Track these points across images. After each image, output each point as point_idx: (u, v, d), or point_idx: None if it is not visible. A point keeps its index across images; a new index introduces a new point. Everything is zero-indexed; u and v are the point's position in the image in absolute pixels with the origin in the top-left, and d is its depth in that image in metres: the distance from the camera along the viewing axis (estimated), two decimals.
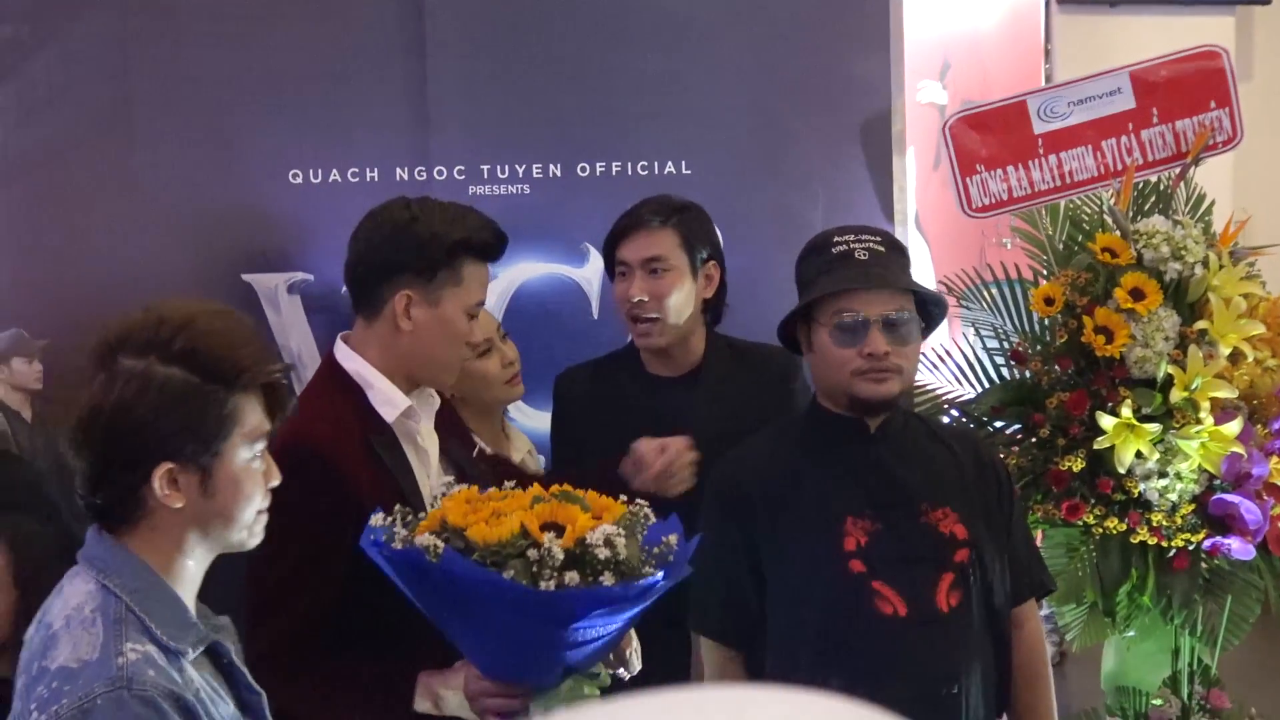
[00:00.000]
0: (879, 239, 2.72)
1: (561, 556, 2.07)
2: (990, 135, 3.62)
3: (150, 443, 1.85)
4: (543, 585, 2.04)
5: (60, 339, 3.49)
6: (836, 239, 2.74)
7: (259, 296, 3.57)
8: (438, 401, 2.73)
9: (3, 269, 3.51)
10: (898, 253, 2.75)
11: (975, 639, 2.71)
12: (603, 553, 2.08)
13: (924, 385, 3.78)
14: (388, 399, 2.57)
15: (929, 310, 2.73)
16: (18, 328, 3.50)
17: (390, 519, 2.20)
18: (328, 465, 2.45)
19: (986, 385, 3.77)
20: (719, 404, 3.14)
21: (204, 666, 1.93)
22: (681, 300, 3.11)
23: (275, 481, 1.98)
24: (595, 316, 3.69)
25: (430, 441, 2.68)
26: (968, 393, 3.81)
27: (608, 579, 2.07)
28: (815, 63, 3.78)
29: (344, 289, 2.67)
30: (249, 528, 1.97)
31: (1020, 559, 2.83)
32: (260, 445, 1.94)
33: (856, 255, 2.68)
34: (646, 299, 3.09)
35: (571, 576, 2.07)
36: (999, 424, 3.62)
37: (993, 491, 2.81)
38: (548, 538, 2.09)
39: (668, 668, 2.50)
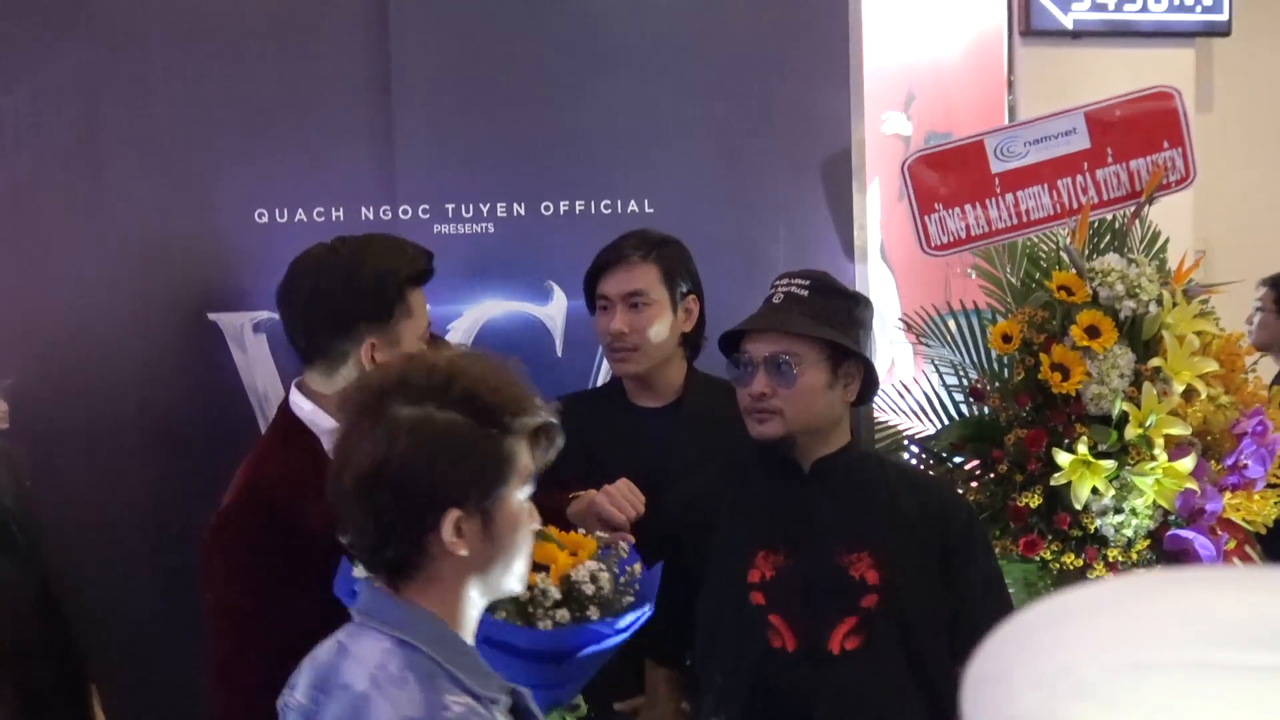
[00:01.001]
0: (807, 282, 2.84)
1: (558, 596, 2.16)
2: (948, 174, 3.70)
3: (439, 490, 1.85)
4: (540, 625, 2.12)
5: (26, 378, 3.53)
6: (774, 283, 2.87)
7: (224, 335, 3.62)
8: None
9: None
10: (824, 295, 2.84)
11: (882, 688, 2.76)
12: (589, 589, 2.16)
13: (885, 422, 3.86)
14: None
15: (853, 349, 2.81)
16: None
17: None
18: (282, 516, 2.50)
19: (946, 421, 3.85)
20: (700, 433, 3.22)
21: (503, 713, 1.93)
22: (662, 333, 3.20)
23: (536, 525, 1.97)
24: (559, 354, 3.76)
25: None
26: (928, 429, 3.89)
27: (593, 613, 2.16)
28: (777, 97, 3.86)
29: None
30: (521, 573, 1.96)
31: (971, 618, 2.86)
32: (530, 488, 1.94)
33: (773, 299, 2.81)
34: (627, 331, 3.17)
35: (563, 614, 2.15)
36: (958, 460, 3.70)
37: (935, 544, 2.86)
38: (540, 578, 2.18)
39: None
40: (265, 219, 3.63)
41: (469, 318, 3.73)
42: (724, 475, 2.97)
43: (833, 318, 2.84)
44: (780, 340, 2.81)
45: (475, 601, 1.93)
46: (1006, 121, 6.30)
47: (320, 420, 2.63)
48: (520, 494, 1.92)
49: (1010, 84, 6.60)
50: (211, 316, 3.61)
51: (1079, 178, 3.68)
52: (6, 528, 3.08)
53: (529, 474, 1.93)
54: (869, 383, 2.92)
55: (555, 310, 3.77)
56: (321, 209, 3.65)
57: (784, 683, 2.77)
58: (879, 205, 5.75)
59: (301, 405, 2.67)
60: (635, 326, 3.19)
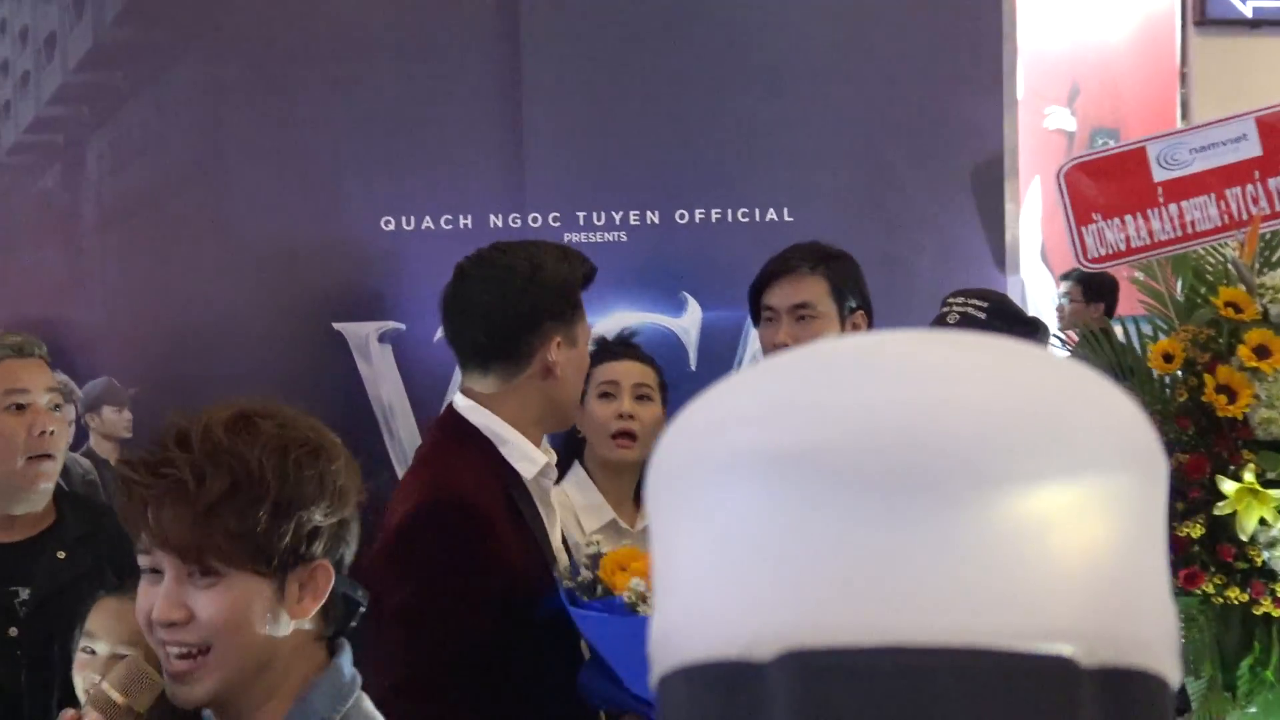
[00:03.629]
0: (985, 304, 2.75)
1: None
2: (1107, 182, 3.58)
3: None
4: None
5: (150, 387, 3.58)
6: (948, 301, 2.79)
7: (349, 346, 3.63)
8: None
9: (95, 317, 3.62)
10: (1004, 321, 2.76)
11: None
12: None
13: None
14: (525, 455, 2.68)
15: None
16: (108, 376, 3.59)
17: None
18: (476, 518, 2.54)
19: None
20: None
21: None
22: None
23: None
24: (693, 368, 3.72)
25: (555, 499, 2.80)
26: None
27: None
28: (923, 104, 3.79)
29: (437, 339, 2.81)
30: None
31: None
32: None
33: (948, 319, 2.71)
34: (791, 344, 3.12)
35: None
36: None
37: None
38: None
39: None
40: (392, 227, 3.64)
41: (599, 329, 3.69)
42: None
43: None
44: None
45: None
46: (1179, 118, 6.11)
47: (500, 430, 2.67)
48: None
49: (1183, 77, 6.40)
50: (337, 326, 3.64)
51: (1249, 187, 3.53)
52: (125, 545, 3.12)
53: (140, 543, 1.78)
54: None
55: (689, 322, 3.73)
56: (450, 217, 3.65)
57: None
58: (1040, 204, 5.62)
59: (471, 412, 2.68)
60: (801, 339, 3.13)
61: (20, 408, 3.01)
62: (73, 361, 3.58)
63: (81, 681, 2.82)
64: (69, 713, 1.70)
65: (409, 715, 2.40)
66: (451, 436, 2.72)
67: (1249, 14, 6.49)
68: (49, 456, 3.03)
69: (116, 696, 1.75)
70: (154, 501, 1.69)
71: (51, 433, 3.02)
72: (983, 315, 2.77)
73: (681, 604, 0.67)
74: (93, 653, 2.82)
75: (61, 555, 3.03)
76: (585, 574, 2.51)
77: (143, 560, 1.74)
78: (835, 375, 0.66)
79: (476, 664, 2.50)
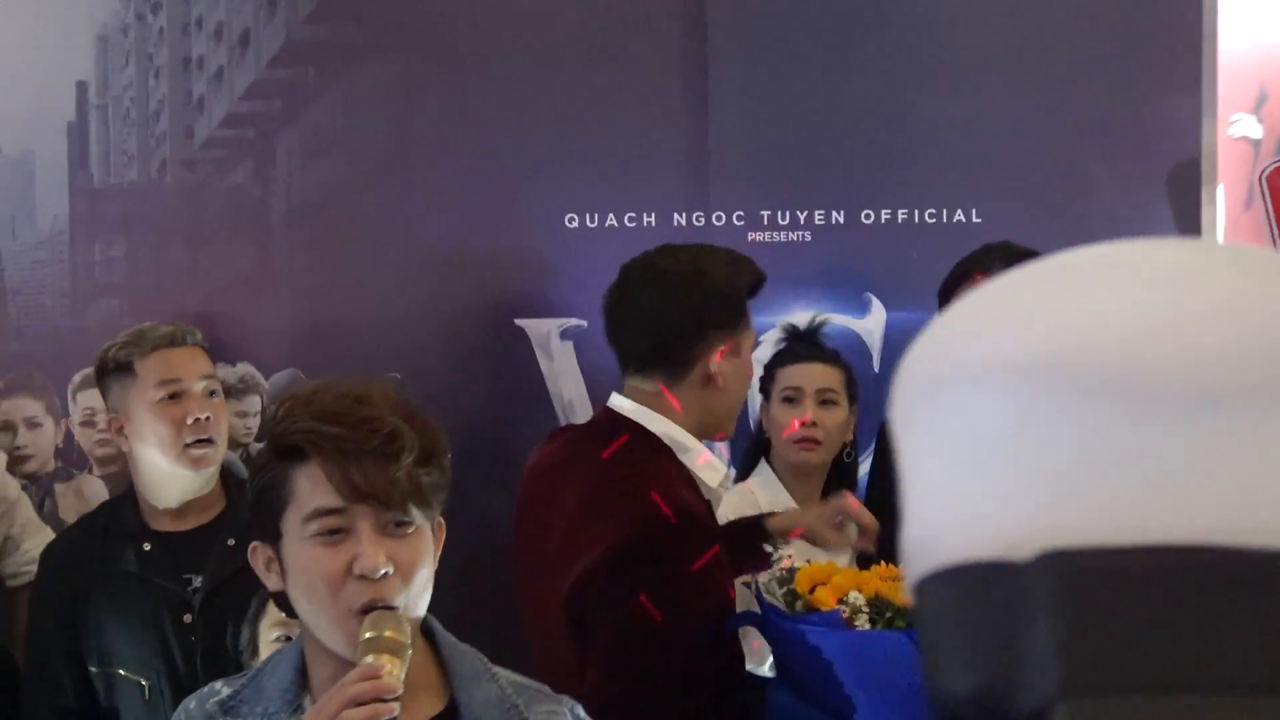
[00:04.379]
0: None
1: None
2: None
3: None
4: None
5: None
6: None
7: (531, 342, 3.64)
8: None
9: (281, 309, 3.68)
10: None
11: None
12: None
13: None
14: (710, 464, 2.65)
15: None
16: (294, 368, 3.64)
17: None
18: (704, 535, 2.54)
19: None
20: None
21: None
22: None
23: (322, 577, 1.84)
24: (876, 370, 3.67)
25: (740, 498, 2.85)
26: None
27: None
28: (1117, 105, 3.72)
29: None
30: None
31: None
32: (320, 521, 1.80)
33: None
34: None
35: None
36: None
37: None
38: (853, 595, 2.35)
39: None
40: (575, 224, 3.65)
41: (782, 329, 3.67)
42: None
43: None
44: None
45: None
46: None
47: (680, 437, 2.66)
48: (299, 525, 1.79)
49: None
50: (519, 323, 3.66)
51: None
52: None
53: (312, 502, 1.78)
54: None
55: (873, 324, 3.70)
56: (633, 214, 3.65)
57: None
58: (1223, 214, 5.48)
59: (641, 414, 2.67)
60: None
61: (175, 396, 3.04)
62: (260, 354, 3.64)
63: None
64: (369, 660, 1.72)
65: None
66: (640, 442, 2.69)
67: None
68: (208, 442, 3.05)
69: (404, 637, 1.77)
70: (362, 455, 1.73)
71: (207, 418, 3.04)
72: None
73: (936, 509, 0.69)
74: (289, 639, 2.87)
75: (231, 543, 3.06)
76: (776, 589, 2.49)
77: (323, 523, 1.77)
78: (1089, 281, 0.67)
79: (685, 680, 2.49)
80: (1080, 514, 0.63)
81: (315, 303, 3.67)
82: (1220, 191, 5.21)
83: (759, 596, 2.49)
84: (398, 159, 3.67)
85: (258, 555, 1.86)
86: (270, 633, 2.84)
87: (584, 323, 3.65)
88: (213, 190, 3.69)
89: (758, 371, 3.10)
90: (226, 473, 3.23)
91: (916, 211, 3.69)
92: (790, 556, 2.62)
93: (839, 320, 3.69)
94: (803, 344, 3.30)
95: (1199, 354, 0.62)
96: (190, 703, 1.89)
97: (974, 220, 3.67)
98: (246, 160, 3.68)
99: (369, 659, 1.71)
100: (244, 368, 3.64)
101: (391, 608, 1.76)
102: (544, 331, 3.67)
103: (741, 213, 3.68)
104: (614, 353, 2.83)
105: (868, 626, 2.34)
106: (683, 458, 2.63)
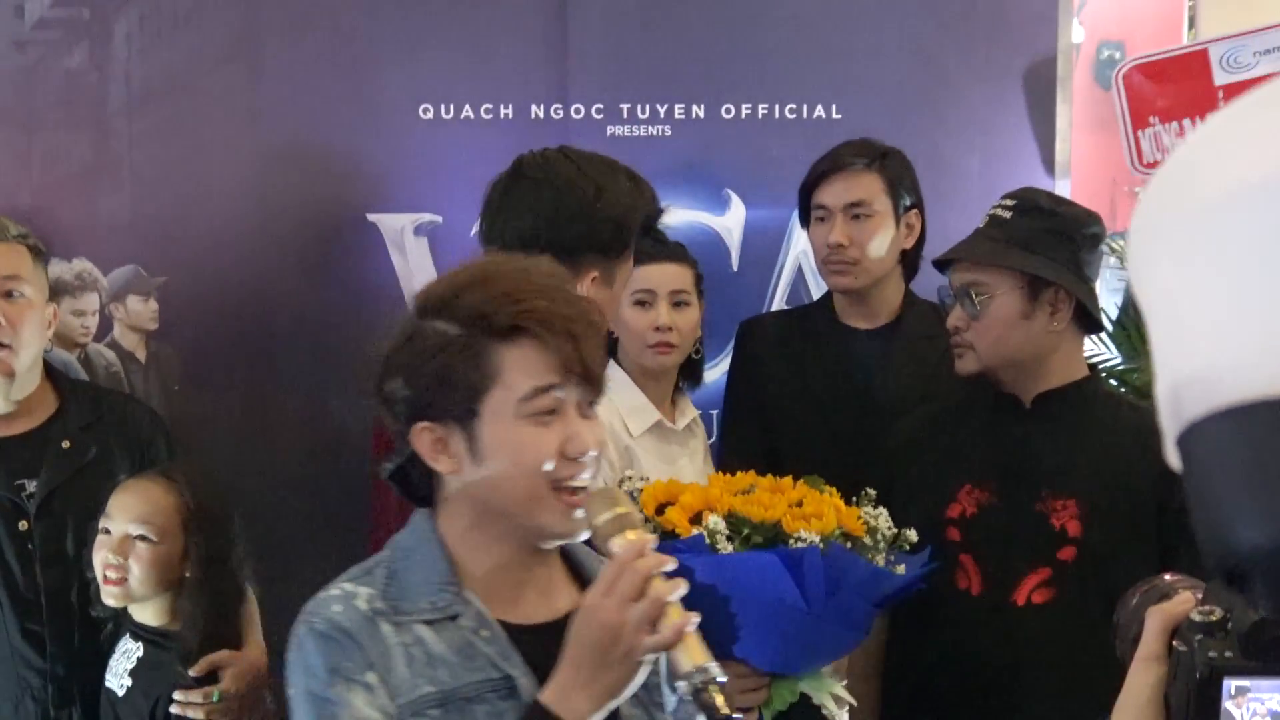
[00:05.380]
0: (1012, 203, 2.76)
1: (888, 535, 2.36)
2: (1167, 85, 3.56)
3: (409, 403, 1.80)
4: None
5: (178, 277, 3.50)
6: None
7: (384, 238, 3.56)
8: None
9: (120, 203, 3.55)
10: (1026, 215, 2.72)
11: (1071, 647, 2.63)
12: (888, 534, 2.40)
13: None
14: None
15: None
16: (135, 264, 3.50)
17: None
18: None
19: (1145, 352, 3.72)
20: (916, 360, 3.11)
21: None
22: (883, 247, 3.10)
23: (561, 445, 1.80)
24: (735, 269, 3.68)
25: None
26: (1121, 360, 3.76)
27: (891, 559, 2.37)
28: (977, 2, 3.71)
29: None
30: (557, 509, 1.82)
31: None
32: (542, 396, 1.77)
33: (980, 223, 2.75)
34: (847, 244, 3.06)
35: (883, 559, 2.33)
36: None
37: (1152, 504, 2.68)
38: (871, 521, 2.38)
39: None
40: (430, 115, 3.57)
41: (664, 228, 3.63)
42: (946, 409, 2.89)
43: (1032, 240, 2.70)
44: (969, 270, 2.74)
45: (501, 533, 1.82)
46: (1185, 31, 6.07)
47: None
48: (512, 405, 1.76)
49: None
50: (371, 217, 3.58)
51: None
52: (153, 444, 3.05)
53: (529, 381, 1.75)
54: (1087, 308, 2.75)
55: (733, 221, 3.68)
56: (490, 106, 3.58)
57: (962, 626, 2.71)
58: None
59: None
60: (856, 239, 3.08)
61: None
62: (98, 249, 3.50)
63: (98, 563, 2.78)
64: (628, 537, 1.69)
65: None
66: None
67: None
68: (3, 346, 2.90)
69: (637, 515, 1.75)
70: (586, 336, 1.76)
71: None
72: (1008, 214, 2.73)
73: (1212, 346, 0.65)
74: (108, 532, 2.79)
75: (66, 444, 2.95)
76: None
77: (541, 402, 1.75)
78: None
79: None
80: None
81: (157, 197, 3.53)
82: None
83: None
84: (243, 43, 3.54)
85: (424, 437, 1.77)
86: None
87: (438, 218, 3.58)
88: (46, 74, 3.52)
89: None
90: (57, 374, 3.09)
91: (776, 106, 3.67)
92: (630, 476, 2.57)
93: (698, 217, 3.67)
94: (652, 242, 3.22)
95: None
96: (332, 607, 1.77)
97: (834, 116, 3.67)
98: (82, 42, 3.51)
99: (627, 535, 1.71)
100: (81, 264, 3.49)
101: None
102: (397, 227, 3.58)
103: (600, 105, 3.62)
104: (481, 248, 2.72)
105: (729, 549, 2.30)
106: None
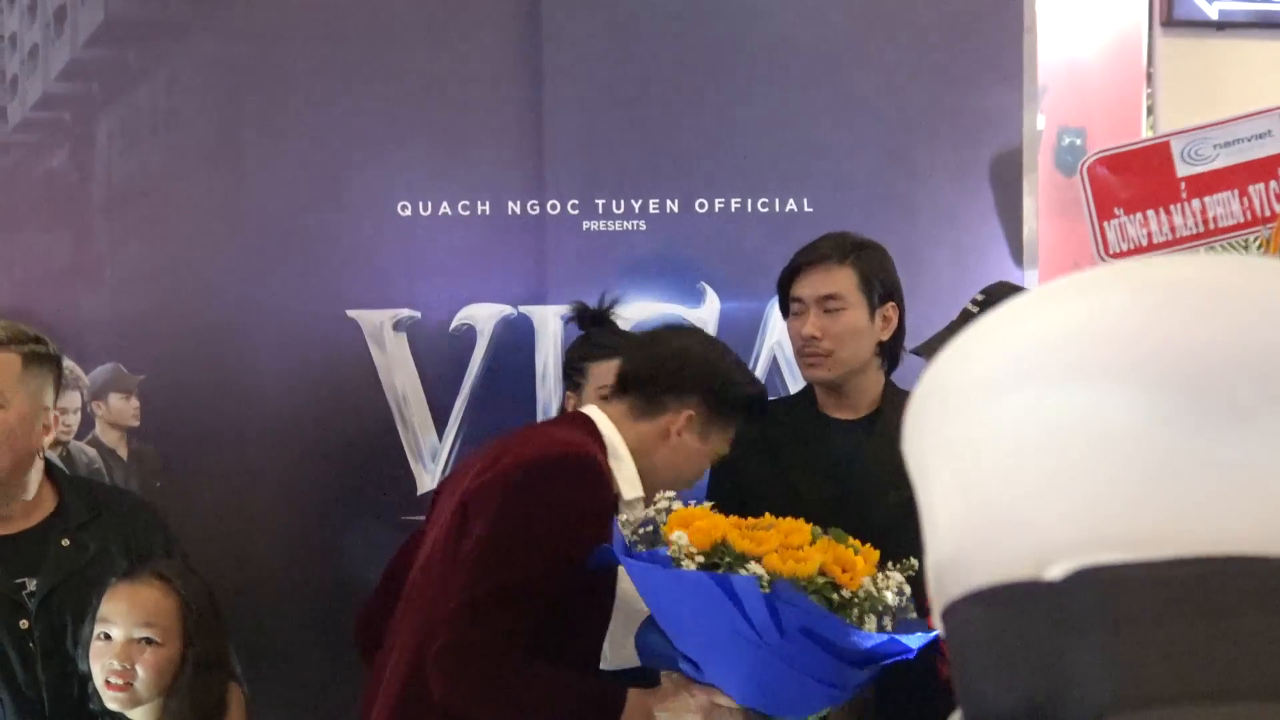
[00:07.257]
0: (981, 297, 2.87)
1: (891, 601, 2.31)
2: (1130, 177, 3.65)
3: None
4: (867, 627, 2.26)
5: (158, 374, 3.54)
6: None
7: (364, 333, 3.61)
8: None
9: (101, 301, 3.58)
10: (995, 307, 2.81)
11: None
12: (891, 599, 2.30)
13: None
14: (630, 479, 2.68)
15: None
16: (116, 362, 3.54)
17: (641, 531, 2.43)
18: (605, 479, 2.58)
19: None
20: (895, 451, 3.15)
21: None
22: (857, 339, 3.16)
23: None
24: None
25: None
26: None
27: (887, 625, 2.31)
28: (944, 93, 3.84)
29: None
30: None
31: None
32: None
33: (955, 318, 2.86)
34: (820, 336, 3.14)
35: (874, 622, 2.30)
36: None
37: None
38: (871, 580, 2.32)
39: None
40: (408, 212, 3.64)
41: (617, 319, 3.70)
42: None
43: None
44: None
45: None
46: (1144, 118, 6.19)
47: (622, 449, 2.68)
48: None
49: (1149, 77, 6.49)
50: (351, 313, 3.63)
51: (1272, 183, 3.61)
52: (150, 541, 3.08)
53: None
54: None
55: (707, 313, 3.75)
56: (467, 202, 3.65)
57: (943, 712, 2.75)
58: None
59: (605, 425, 2.70)
60: (829, 331, 3.16)
61: None
62: (79, 347, 3.54)
63: (99, 669, 2.80)
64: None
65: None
66: (582, 427, 2.72)
67: (1215, 16, 6.60)
68: None
69: None
70: None
71: None
72: (977, 309, 2.82)
73: (957, 534, 0.70)
74: (108, 637, 2.81)
75: (66, 543, 2.99)
76: (649, 529, 2.50)
77: None
78: (1115, 289, 0.68)
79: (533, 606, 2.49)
80: (1115, 528, 0.64)
81: (138, 294, 3.58)
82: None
83: (615, 531, 2.47)
84: (223, 144, 3.60)
85: None
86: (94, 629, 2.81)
87: (417, 313, 3.64)
88: (28, 175, 3.57)
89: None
90: (58, 471, 3.13)
91: (749, 201, 3.76)
92: (672, 496, 2.65)
93: (674, 310, 3.74)
94: (607, 334, 3.29)
95: (1234, 368, 0.63)
96: None
97: (806, 209, 3.75)
98: (64, 144, 3.57)
99: None
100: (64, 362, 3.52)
101: None
102: (376, 323, 3.64)
103: (576, 201, 3.70)
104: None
105: (691, 567, 2.33)
106: (613, 462, 2.65)
